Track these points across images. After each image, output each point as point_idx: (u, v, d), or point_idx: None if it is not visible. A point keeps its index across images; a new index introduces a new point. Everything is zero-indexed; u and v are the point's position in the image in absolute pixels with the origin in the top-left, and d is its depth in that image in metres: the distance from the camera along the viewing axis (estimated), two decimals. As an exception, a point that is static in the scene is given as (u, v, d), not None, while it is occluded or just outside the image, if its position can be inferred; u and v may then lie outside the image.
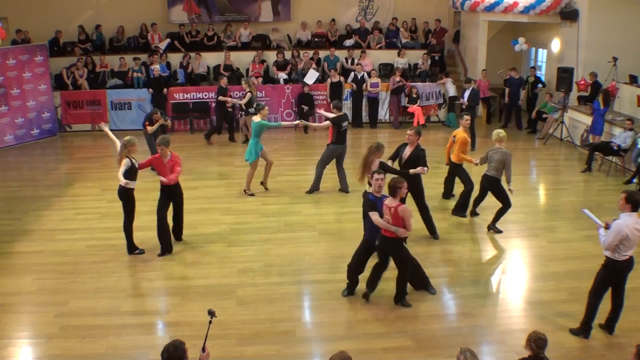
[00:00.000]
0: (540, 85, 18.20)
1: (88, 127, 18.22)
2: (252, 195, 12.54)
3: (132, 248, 9.88)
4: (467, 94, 16.29)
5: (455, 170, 11.64)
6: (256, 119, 12.23)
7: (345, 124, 12.30)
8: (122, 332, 7.69)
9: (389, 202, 7.87)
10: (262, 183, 12.88)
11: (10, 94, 16.79)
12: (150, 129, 13.34)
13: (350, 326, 7.83)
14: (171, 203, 10.07)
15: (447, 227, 10.90)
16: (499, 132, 10.60)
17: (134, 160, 9.58)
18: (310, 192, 12.58)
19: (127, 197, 9.65)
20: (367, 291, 8.35)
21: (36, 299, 8.61)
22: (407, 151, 10.16)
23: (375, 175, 8.18)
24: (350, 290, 8.56)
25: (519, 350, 6.31)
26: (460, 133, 11.33)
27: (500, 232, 10.68)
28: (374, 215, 7.97)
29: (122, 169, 9.42)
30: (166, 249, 9.88)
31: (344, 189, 12.67)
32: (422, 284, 8.61)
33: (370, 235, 8.30)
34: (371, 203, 8.14)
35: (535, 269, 9.45)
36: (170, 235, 9.99)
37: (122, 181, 9.32)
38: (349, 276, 8.53)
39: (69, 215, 10.62)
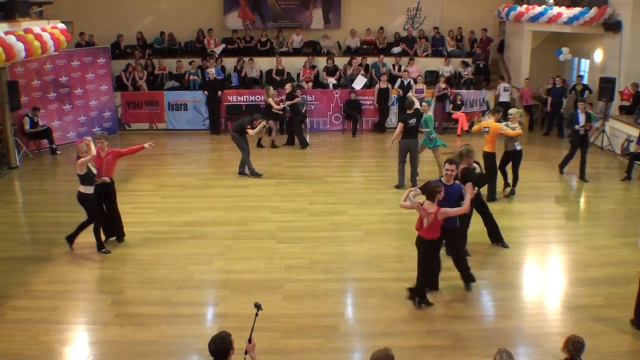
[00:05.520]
0: (587, 92, 18.03)
1: (146, 126, 18.94)
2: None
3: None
4: (582, 118, 13.59)
5: (486, 160, 11.95)
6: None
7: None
8: (173, 322, 7.91)
9: (428, 206, 7.91)
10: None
11: (74, 93, 17.51)
12: (252, 132, 13.90)
13: (391, 323, 7.92)
14: (103, 203, 10.29)
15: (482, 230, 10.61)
16: (519, 111, 12.41)
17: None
18: None
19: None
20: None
21: (94, 287, 9.03)
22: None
23: (447, 166, 8.44)
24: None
25: (555, 353, 6.39)
26: (492, 124, 11.99)
27: None
28: (405, 202, 8.12)
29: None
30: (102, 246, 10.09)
31: None
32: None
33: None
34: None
35: (573, 274, 9.40)
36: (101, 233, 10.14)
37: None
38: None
39: (126, 209, 10.96)
